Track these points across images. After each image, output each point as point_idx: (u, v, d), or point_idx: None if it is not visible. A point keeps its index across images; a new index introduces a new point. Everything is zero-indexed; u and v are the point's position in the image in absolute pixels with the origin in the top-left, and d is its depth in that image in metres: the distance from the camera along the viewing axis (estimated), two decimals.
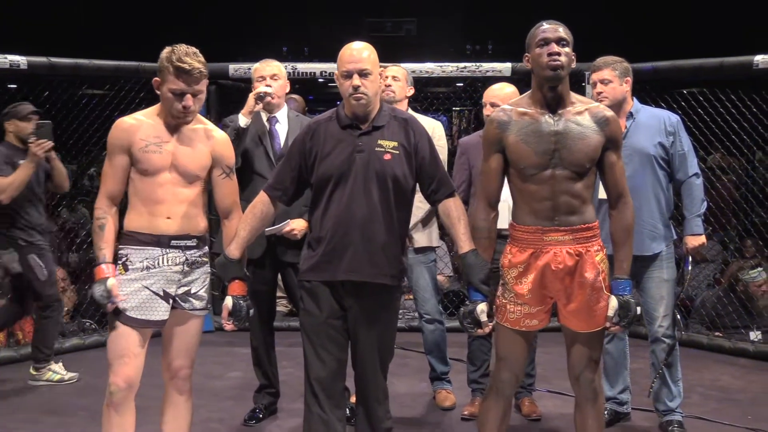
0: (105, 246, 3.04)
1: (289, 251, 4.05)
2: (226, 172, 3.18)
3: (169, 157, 3.05)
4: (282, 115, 4.18)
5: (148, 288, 3.05)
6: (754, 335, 5.64)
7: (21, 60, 5.35)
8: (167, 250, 3.06)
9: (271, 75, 4.12)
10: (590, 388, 3.07)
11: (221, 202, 3.21)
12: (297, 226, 3.97)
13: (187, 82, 2.98)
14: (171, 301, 3.09)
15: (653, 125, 3.92)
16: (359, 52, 3.08)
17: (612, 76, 3.88)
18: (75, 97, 5.73)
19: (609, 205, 3.08)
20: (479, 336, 4.13)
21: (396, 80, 4.32)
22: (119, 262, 3.06)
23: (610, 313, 2.96)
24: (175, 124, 3.08)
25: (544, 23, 2.97)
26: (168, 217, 3.05)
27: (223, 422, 4.26)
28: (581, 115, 2.95)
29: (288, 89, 4.24)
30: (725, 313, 5.77)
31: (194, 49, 3.04)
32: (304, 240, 3.98)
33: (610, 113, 3.00)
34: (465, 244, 3.06)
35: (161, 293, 3.06)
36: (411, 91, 4.43)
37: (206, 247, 3.19)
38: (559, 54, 2.88)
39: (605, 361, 4.13)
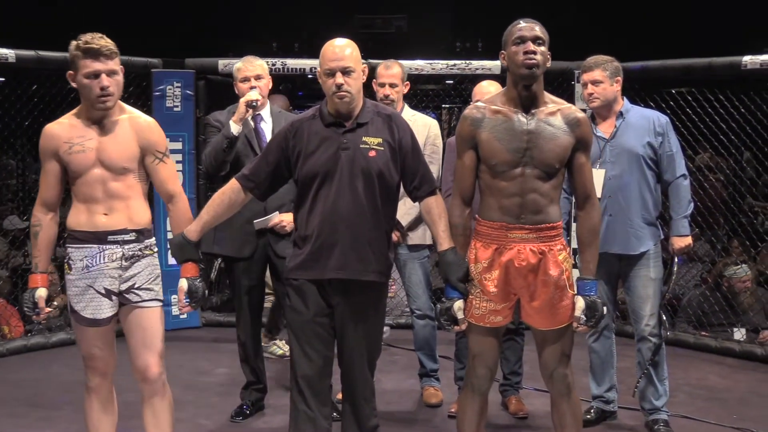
0: (38, 254, 3.11)
1: (278, 244, 4.04)
2: (159, 158, 3.15)
3: (93, 153, 3.04)
4: (266, 113, 4.17)
5: (91, 286, 3.08)
6: (740, 334, 5.66)
7: (9, 53, 5.31)
8: (105, 246, 3.07)
9: (255, 76, 4.10)
10: (564, 384, 3.09)
11: (161, 187, 3.19)
12: (286, 218, 3.96)
13: (100, 61, 2.98)
14: (114, 298, 3.10)
15: (642, 125, 3.93)
16: (342, 49, 3.08)
17: (603, 77, 3.89)
18: (63, 90, 5.69)
19: (576, 205, 3.12)
20: (465, 333, 4.21)
21: (393, 87, 4.29)
22: (65, 261, 3.11)
23: (578, 313, 2.99)
24: (98, 117, 3.07)
25: (521, 21, 2.99)
26: (105, 213, 3.07)
27: (210, 418, 4.25)
28: (553, 116, 2.98)
29: (271, 86, 4.22)
30: (711, 312, 5.79)
31: (100, 34, 3.04)
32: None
33: (581, 115, 3.02)
34: (444, 242, 3.07)
35: (102, 291, 3.08)
36: (407, 88, 4.42)
37: (148, 240, 3.16)
38: (534, 53, 2.90)
39: (591, 359, 4.15)
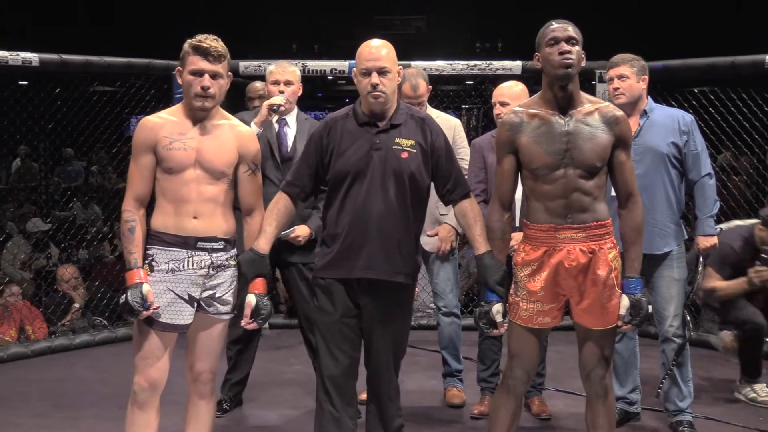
0: (136, 250, 2.99)
1: (293, 252, 4.07)
2: (252, 169, 3.13)
3: (193, 153, 3.00)
4: (291, 118, 4.18)
5: (172, 291, 3.00)
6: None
7: (33, 57, 5.35)
8: (193, 252, 3.01)
9: (285, 81, 4.12)
10: (601, 385, 3.08)
11: (245, 199, 3.15)
12: (301, 233, 4.00)
13: (207, 60, 2.97)
14: (195, 304, 3.05)
15: (667, 124, 3.90)
16: (378, 50, 3.09)
17: (630, 73, 3.87)
18: (86, 94, 5.74)
19: (618, 204, 3.10)
20: (490, 335, 4.20)
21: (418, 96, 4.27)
22: (145, 261, 3.01)
23: (622, 311, 2.97)
24: (199, 118, 3.04)
25: (553, 22, 2.99)
26: (195, 217, 3.01)
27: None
28: (591, 116, 2.98)
29: (300, 93, 4.23)
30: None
31: (215, 36, 3.04)
32: (308, 242, 4.04)
33: (619, 113, 3.02)
34: (481, 246, 3.07)
35: (186, 297, 3.02)
36: (429, 90, 4.41)
37: (234, 250, 3.13)
38: (569, 52, 2.91)
39: (614, 360, 4.09)
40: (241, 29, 10.77)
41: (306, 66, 6.07)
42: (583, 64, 2.98)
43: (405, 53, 5.31)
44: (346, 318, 3.11)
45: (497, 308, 3.02)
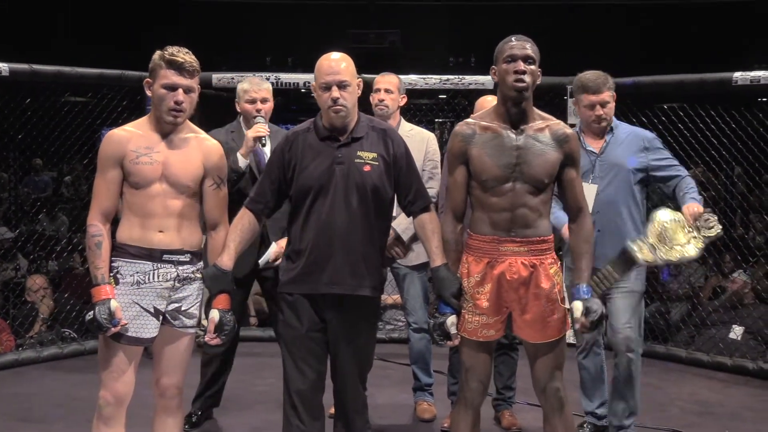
0: (102, 265, 2.95)
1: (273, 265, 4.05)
2: (217, 183, 3.11)
3: (159, 167, 2.97)
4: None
5: (138, 304, 2.98)
6: (735, 333, 5.69)
7: (3, 67, 5.30)
8: (159, 264, 2.99)
9: (261, 98, 4.12)
10: (556, 398, 3.10)
11: (210, 213, 3.13)
12: (278, 256, 3.95)
13: (181, 75, 2.96)
14: (161, 317, 3.02)
15: (631, 141, 3.91)
16: (337, 63, 3.09)
17: (610, 97, 3.86)
18: (57, 104, 5.69)
19: (569, 218, 3.15)
20: (458, 348, 4.21)
21: (389, 93, 4.31)
22: (110, 274, 2.98)
23: (577, 315, 2.99)
24: (166, 131, 3.02)
25: (512, 38, 3.02)
26: (160, 231, 2.99)
27: None
28: (542, 132, 3.02)
29: (272, 107, 4.21)
30: (709, 322, 5.84)
31: (186, 49, 3.02)
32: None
33: (569, 131, 3.07)
34: (437, 258, 3.09)
35: (151, 309, 3.00)
36: (404, 101, 4.44)
37: (200, 263, 3.11)
38: (524, 72, 2.95)
39: (582, 376, 4.12)
40: (214, 41, 10.78)
41: (279, 78, 6.07)
42: (539, 81, 3.02)
43: (379, 67, 5.35)
44: (312, 332, 3.12)
45: (452, 320, 3.04)
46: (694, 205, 3.63)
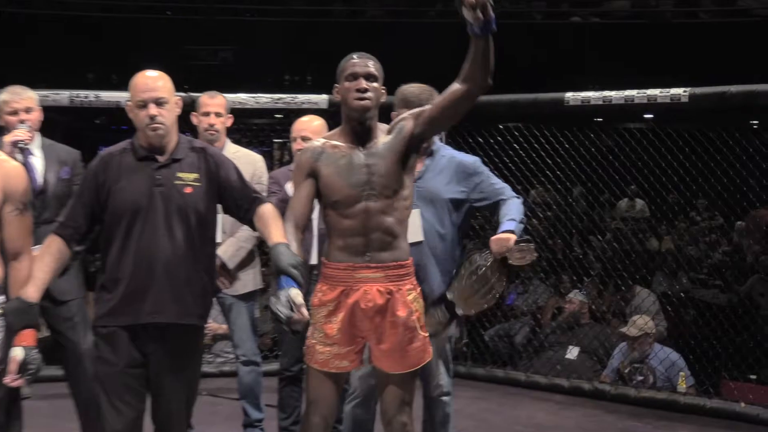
0: None
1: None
2: (20, 208, 2.80)
3: None
4: (36, 146, 3.79)
5: None
6: (575, 351, 5.78)
7: None
8: None
9: (25, 108, 3.76)
10: None
11: (11, 242, 2.80)
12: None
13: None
14: None
15: (451, 167, 3.53)
16: (154, 80, 2.96)
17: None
18: None
19: None
20: (290, 381, 4.04)
21: (219, 117, 4.15)
22: None
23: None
24: None
25: (354, 56, 2.95)
26: None
27: None
28: (386, 142, 2.96)
29: (42, 118, 3.86)
30: (547, 344, 5.87)
31: None
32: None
33: (405, 121, 2.97)
34: (278, 237, 2.84)
35: None
36: (230, 121, 4.27)
37: (2, 296, 2.78)
38: (366, 90, 2.88)
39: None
40: (35, 57, 10.21)
41: (99, 97, 5.73)
42: (383, 99, 2.96)
43: (209, 85, 5.07)
44: (131, 368, 2.92)
45: (295, 291, 2.71)
46: (503, 237, 3.35)
